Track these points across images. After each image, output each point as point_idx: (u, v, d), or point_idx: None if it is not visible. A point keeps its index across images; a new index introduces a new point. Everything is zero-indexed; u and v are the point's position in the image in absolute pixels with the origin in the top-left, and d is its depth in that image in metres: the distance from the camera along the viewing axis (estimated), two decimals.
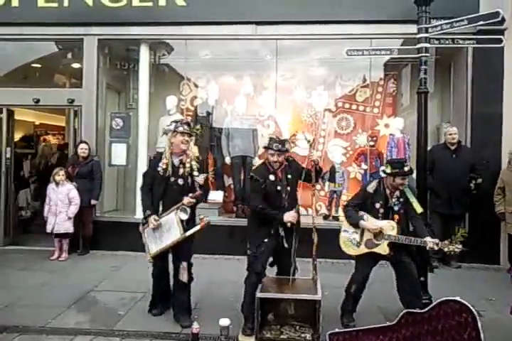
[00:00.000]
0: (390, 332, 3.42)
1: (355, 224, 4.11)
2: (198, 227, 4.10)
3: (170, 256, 4.29)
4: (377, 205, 4.06)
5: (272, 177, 4.02)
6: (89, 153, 6.64)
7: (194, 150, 5.82)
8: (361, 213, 4.10)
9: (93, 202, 6.60)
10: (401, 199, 4.04)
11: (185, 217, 4.08)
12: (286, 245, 4.00)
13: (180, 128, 4.12)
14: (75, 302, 4.66)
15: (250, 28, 6.66)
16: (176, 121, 4.22)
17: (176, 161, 4.18)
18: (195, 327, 3.68)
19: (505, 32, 5.93)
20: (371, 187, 4.13)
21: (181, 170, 4.14)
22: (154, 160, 4.27)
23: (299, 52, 7.50)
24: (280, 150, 3.99)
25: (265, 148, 4.11)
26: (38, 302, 4.63)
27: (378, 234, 3.99)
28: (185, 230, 4.06)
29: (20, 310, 4.40)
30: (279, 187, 4.01)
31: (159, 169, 4.14)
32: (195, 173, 4.16)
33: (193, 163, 4.18)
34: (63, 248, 6.40)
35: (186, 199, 4.07)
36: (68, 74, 8.19)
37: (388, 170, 4.00)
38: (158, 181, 4.16)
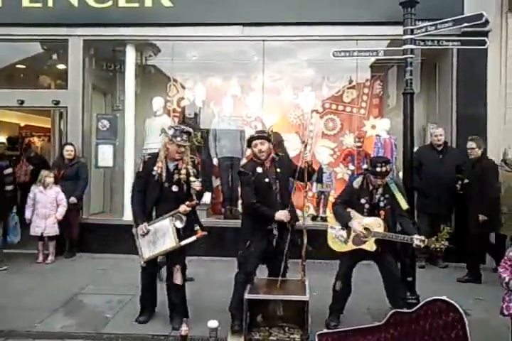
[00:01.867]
0: (379, 332, 3.43)
1: (343, 224, 4.12)
2: (193, 238, 4.02)
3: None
4: (363, 201, 4.07)
5: (259, 170, 3.98)
6: (75, 154, 6.57)
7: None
8: (348, 210, 4.10)
9: (71, 199, 6.36)
10: (386, 196, 4.05)
11: (180, 225, 3.99)
12: (274, 244, 3.97)
13: (178, 139, 3.96)
14: (62, 306, 4.62)
15: (237, 29, 6.65)
16: (176, 128, 4.04)
17: (171, 166, 4.07)
18: (184, 329, 3.66)
19: (488, 34, 6.02)
20: (357, 183, 4.15)
21: (176, 177, 4.03)
22: (149, 161, 4.10)
23: (286, 54, 7.53)
24: (261, 136, 4.00)
25: (248, 141, 4.09)
26: (24, 306, 4.57)
27: (365, 231, 4.01)
28: (180, 238, 3.98)
29: (6, 314, 4.33)
30: (267, 179, 3.96)
31: (154, 173, 4.02)
32: (192, 179, 4.02)
33: (189, 167, 4.07)
34: (50, 250, 6.33)
35: (182, 208, 3.97)
36: (53, 76, 8.11)
37: (365, 166, 4.02)
38: (152, 185, 4.05)
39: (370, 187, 4.07)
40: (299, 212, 4.29)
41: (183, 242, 3.99)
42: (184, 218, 4.01)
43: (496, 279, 3.38)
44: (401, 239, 3.90)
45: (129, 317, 4.29)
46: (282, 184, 4.05)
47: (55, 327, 4.10)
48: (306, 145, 4.28)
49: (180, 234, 4.00)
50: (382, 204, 4.06)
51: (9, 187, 6.16)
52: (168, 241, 3.99)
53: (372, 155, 7.13)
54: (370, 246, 3.99)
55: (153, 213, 4.14)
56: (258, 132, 4.20)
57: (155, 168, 4.02)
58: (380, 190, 4.06)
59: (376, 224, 3.99)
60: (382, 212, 4.04)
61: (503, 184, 5.70)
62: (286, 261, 4.03)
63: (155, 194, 4.06)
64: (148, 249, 4.11)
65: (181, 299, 4.18)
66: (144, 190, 4.10)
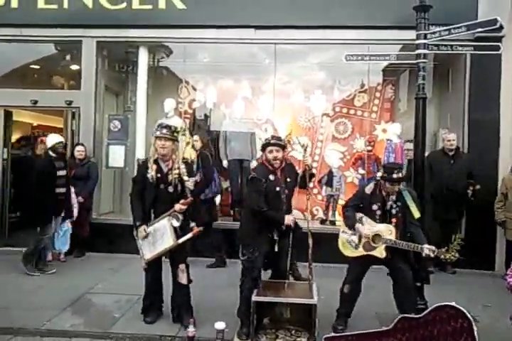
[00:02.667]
0: (386, 336, 3.42)
1: (350, 226, 4.11)
2: (190, 235, 4.07)
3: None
4: (375, 207, 4.05)
5: (271, 177, 3.98)
6: (85, 155, 6.62)
7: (190, 153, 5.81)
8: (360, 215, 4.09)
9: (78, 199, 6.38)
10: (398, 203, 4.03)
11: (176, 223, 4.05)
12: (276, 249, 3.98)
13: (158, 133, 4.04)
14: (71, 305, 4.65)
15: (249, 32, 6.66)
16: (157, 125, 4.18)
17: (164, 167, 4.12)
18: (191, 330, 3.68)
19: (502, 39, 5.97)
20: (368, 189, 4.12)
21: (170, 177, 4.08)
22: (143, 165, 4.19)
23: (297, 57, 7.53)
24: (279, 144, 3.97)
25: (264, 145, 4.07)
26: (33, 305, 4.61)
27: (376, 237, 4.00)
28: (178, 237, 4.03)
29: (15, 312, 4.38)
30: (278, 188, 3.97)
31: (148, 176, 4.07)
32: (185, 178, 4.09)
33: (182, 166, 4.12)
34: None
35: (177, 207, 4.03)
36: (66, 76, 8.18)
37: (379, 174, 4.00)
38: (148, 188, 4.11)
39: (384, 194, 4.06)
40: (301, 215, 4.30)
41: (181, 240, 4.04)
42: (180, 216, 4.06)
43: (504, 286, 3.34)
44: (411, 247, 3.88)
45: (137, 317, 4.31)
46: (289, 193, 4.08)
47: (64, 325, 4.13)
48: (305, 149, 4.28)
49: (178, 232, 4.05)
50: (394, 211, 4.03)
51: (61, 190, 5.84)
52: (167, 241, 4.06)
53: (382, 160, 7.11)
54: (379, 252, 3.97)
55: (152, 215, 4.20)
56: (275, 138, 4.10)
57: (149, 171, 4.08)
58: (393, 197, 4.04)
59: (387, 231, 3.96)
60: (394, 220, 4.02)
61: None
62: (295, 263, 4.03)
63: (152, 196, 4.13)
64: (148, 250, 4.17)
65: (187, 299, 4.22)
66: (142, 194, 4.16)
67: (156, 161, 4.12)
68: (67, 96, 7.07)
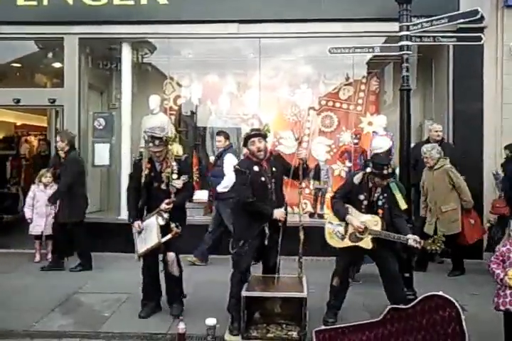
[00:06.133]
0: (376, 328, 3.45)
1: (341, 218, 4.11)
2: (169, 236, 4.12)
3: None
4: (361, 197, 4.06)
5: (256, 168, 3.99)
6: None
7: (177, 149, 5.80)
8: (346, 206, 4.10)
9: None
10: (385, 194, 4.05)
11: (162, 222, 4.12)
12: (266, 243, 3.99)
13: (150, 145, 4.07)
14: (60, 305, 4.61)
15: (233, 27, 6.63)
16: (148, 134, 4.12)
17: (158, 166, 4.19)
18: (181, 327, 3.66)
19: (484, 30, 6.01)
20: (357, 179, 4.12)
21: (163, 175, 4.15)
22: (139, 163, 4.28)
23: (282, 51, 7.52)
24: (259, 134, 4.02)
25: (245, 139, 4.08)
26: (21, 306, 4.56)
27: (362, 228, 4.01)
28: (163, 235, 4.10)
29: (3, 314, 4.32)
30: (263, 178, 3.97)
31: (143, 173, 4.16)
32: (174, 176, 4.13)
33: (174, 163, 4.16)
34: (48, 249, 6.30)
35: (162, 206, 4.10)
36: (49, 74, 8.09)
37: (368, 169, 3.99)
38: (143, 185, 4.19)
39: (370, 185, 4.06)
40: (290, 209, 4.31)
41: (163, 239, 4.11)
42: (165, 215, 4.13)
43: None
44: (397, 238, 3.91)
45: (128, 316, 4.30)
46: (277, 183, 4.07)
47: (53, 326, 4.09)
48: (300, 143, 4.28)
49: (164, 230, 4.11)
50: (380, 202, 4.05)
51: None
52: (153, 238, 4.13)
53: (369, 152, 7.13)
54: (366, 243, 3.99)
55: (145, 211, 4.30)
56: (254, 130, 4.21)
57: (143, 168, 4.17)
58: (379, 189, 4.05)
59: (373, 222, 3.99)
60: (380, 211, 4.03)
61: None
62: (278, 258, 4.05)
63: (146, 193, 4.22)
64: (141, 245, 4.25)
65: (179, 289, 4.31)
66: (138, 190, 4.26)
67: (150, 160, 4.20)
68: (51, 94, 6.98)
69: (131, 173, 4.46)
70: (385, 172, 3.91)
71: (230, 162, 5.81)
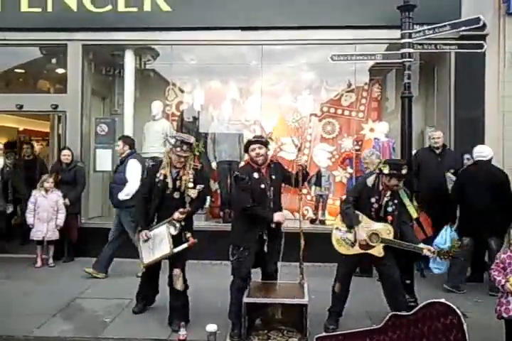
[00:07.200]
0: (377, 334, 3.43)
1: (349, 225, 4.07)
2: (185, 245, 4.06)
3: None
4: (373, 200, 4.02)
5: (256, 175, 3.99)
6: (72, 159, 6.55)
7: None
8: (357, 213, 4.05)
9: (65, 201, 6.32)
10: (395, 201, 4.02)
11: (174, 232, 4.05)
12: (265, 249, 3.99)
13: (178, 149, 4.01)
14: (60, 311, 4.60)
15: (236, 34, 6.66)
16: (177, 138, 4.10)
17: (174, 173, 4.12)
18: (182, 333, 3.64)
19: (486, 37, 6.03)
20: (370, 181, 4.08)
21: (178, 183, 4.09)
22: (153, 168, 4.22)
23: (284, 58, 7.56)
24: (260, 141, 4.02)
25: (246, 146, 4.10)
26: (22, 311, 4.54)
27: (373, 236, 3.98)
28: (175, 245, 4.03)
29: (4, 319, 4.31)
30: (263, 185, 3.98)
31: (157, 180, 4.09)
32: (190, 185, 4.07)
33: (190, 171, 4.11)
34: (50, 254, 6.32)
35: (176, 215, 4.03)
36: (52, 80, 8.13)
37: (386, 171, 3.93)
38: (155, 192, 4.12)
39: (380, 188, 4.04)
40: (290, 216, 4.30)
41: (176, 249, 4.04)
42: (178, 225, 4.06)
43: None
44: (411, 248, 3.90)
45: (129, 321, 4.29)
46: (276, 191, 4.07)
47: (54, 332, 4.08)
48: (299, 149, 4.29)
49: (176, 240, 4.05)
50: (390, 209, 4.01)
51: None
52: (164, 248, 4.06)
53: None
54: (378, 251, 3.96)
55: (155, 220, 4.21)
56: (256, 137, 4.23)
57: (158, 175, 4.09)
58: (388, 193, 4.02)
59: (386, 230, 3.95)
60: (389, 218, 4.00)
61: None
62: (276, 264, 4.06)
63: (157, 200, 4.14)
64: (148, 255, 4.18)
65: (182, 304, 4.19)
66: (148, 197, 4.18)
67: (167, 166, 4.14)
68: (53, 100, 7.01)
69: (144, 179, 4.35)
70: (403, 172, 3.90)
71: (133, 168, 5.61)
